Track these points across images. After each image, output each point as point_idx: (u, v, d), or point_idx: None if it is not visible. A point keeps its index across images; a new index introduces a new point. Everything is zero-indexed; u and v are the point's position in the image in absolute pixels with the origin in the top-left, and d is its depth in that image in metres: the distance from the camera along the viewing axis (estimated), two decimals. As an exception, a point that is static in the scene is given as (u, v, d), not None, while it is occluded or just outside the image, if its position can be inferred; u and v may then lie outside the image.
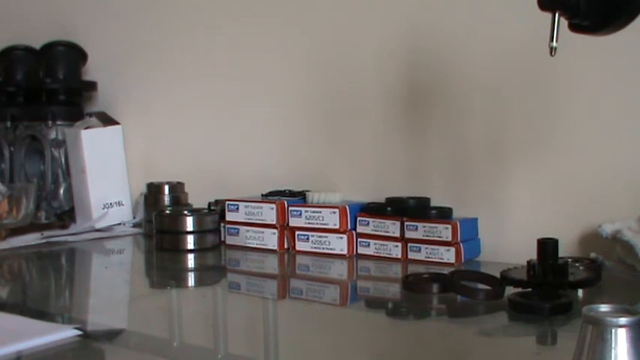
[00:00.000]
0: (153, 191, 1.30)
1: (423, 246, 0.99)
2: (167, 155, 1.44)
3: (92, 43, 1.54)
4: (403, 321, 0.77)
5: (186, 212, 1.15)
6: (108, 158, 1.40)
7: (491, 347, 0.66)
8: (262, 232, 1.10)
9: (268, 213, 1.10)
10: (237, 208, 1.13)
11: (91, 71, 1.56)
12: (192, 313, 0.82)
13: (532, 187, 0.99)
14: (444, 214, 1.00)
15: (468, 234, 0.99)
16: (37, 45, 1.51)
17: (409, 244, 1.00)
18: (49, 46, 1.49)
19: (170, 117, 1.44)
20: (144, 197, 1.31)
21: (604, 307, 0.42)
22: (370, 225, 1.04)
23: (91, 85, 1.53)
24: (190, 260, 1.12)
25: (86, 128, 1.40)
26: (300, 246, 1.08)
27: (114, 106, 1.51)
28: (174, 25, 1.42)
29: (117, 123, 1.43)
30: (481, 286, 0.78)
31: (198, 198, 1.28)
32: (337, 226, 1.04)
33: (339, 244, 1.05)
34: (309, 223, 1.07)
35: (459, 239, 0.96)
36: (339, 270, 1.00)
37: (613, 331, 0.40)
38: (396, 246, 1.01)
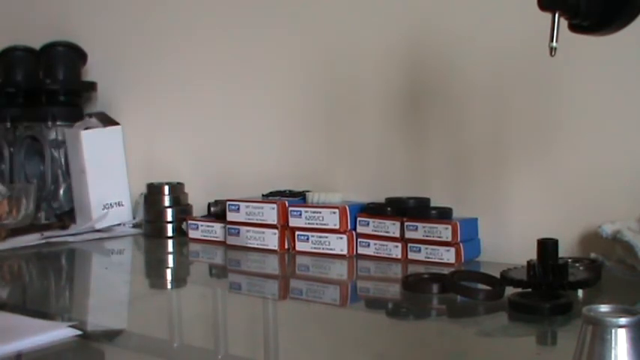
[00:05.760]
0: (153, 191, 1.30)
1: (422, 246, 0.98)
2: (167, 155, 1.44)
3: (92, 43, 1.54)
4: (403, 321, 0.77)
5: None
6: (108, 158, 1.40)
7: (491, 347, 0.66)
8: (263, 233, 1.10)
9: (269, 213, 1.10)
10: (238, 209, 1.13)
11: (91, 71, 1.56)
12: (193, 313, 0.82)
13: (532, 187, 0.99)
14: (444, 215, 1.00)
15: (468, 234, 0.99)
16: (37, 45, 1.51)
17: (409, 245, 1.00)
18: (49, 47, 1.49)
19: (170, 117, 1.44)
20: (144, 197, 1.31)
21: (604, 307, 0.42)
22: (370, 225, 1.03)
23: (91, 86, 1.53)
24: (190, 261, 1.12)
25: (86, 129, 1.40)
26: (300, 246, 1.08)
27: (114, 106, 1.51)
28: (174, 26, 1.42)
29: (117, 123, 1.43)
30: (481, 286, 0.78)
31: (198, 198, 1.29)
32: (337, 227, 1.04)
33: (339, 245, 1.05)
34: (309, 224, 1.07)
35: (458, 239, 0.96)
36: (339, 270, 1.00)
37: (613, 331, 0.40)
38: (396, 246, 1.01)
